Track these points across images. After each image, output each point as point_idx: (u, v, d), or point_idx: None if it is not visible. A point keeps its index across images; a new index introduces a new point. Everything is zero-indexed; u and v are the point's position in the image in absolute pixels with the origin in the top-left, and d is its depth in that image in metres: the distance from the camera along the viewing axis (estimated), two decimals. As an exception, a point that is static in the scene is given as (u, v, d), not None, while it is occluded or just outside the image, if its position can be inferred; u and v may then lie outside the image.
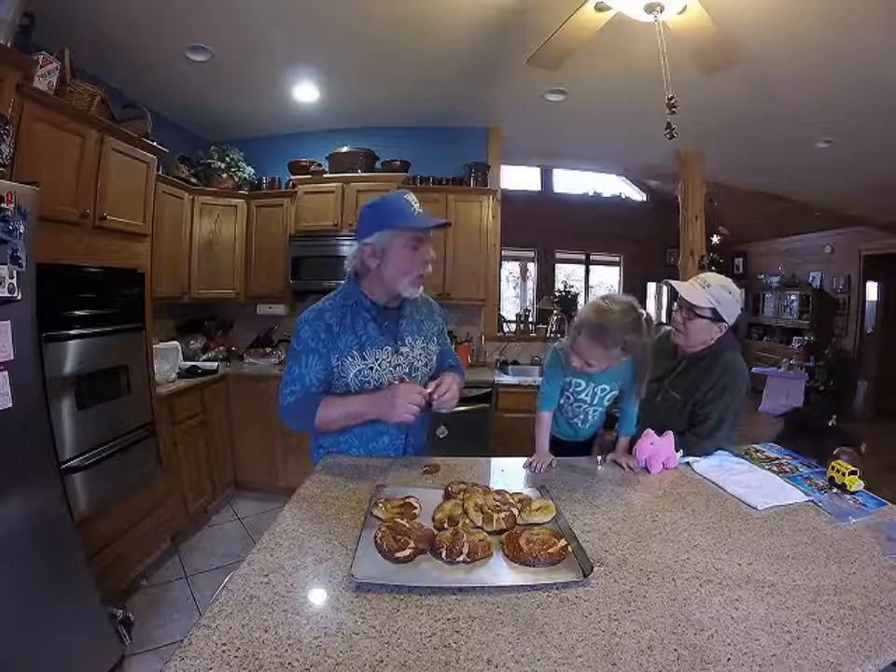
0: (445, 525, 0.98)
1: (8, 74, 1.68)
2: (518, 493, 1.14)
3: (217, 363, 3.34)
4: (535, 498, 1.11)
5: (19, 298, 1.55)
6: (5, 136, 1.63)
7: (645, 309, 1.35)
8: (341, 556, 0.88)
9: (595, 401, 1.48)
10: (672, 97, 2.05)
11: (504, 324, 4.36)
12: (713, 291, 1.49)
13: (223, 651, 0.65)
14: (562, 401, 1.52)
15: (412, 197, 1.33)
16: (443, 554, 0.88)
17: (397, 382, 1.37)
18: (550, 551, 0.88)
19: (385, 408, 1.27)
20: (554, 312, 4.33)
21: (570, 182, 7.82)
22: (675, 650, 0.68)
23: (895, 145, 3.50)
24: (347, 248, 1.44)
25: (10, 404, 1.52)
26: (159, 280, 2.83)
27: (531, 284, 7.89)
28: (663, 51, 2.02)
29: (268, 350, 3.69)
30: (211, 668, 0.62)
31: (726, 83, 2.73)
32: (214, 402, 3.18)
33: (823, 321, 6.76)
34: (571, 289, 5.66)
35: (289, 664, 0.64)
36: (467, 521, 0.99)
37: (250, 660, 0.64)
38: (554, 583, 0.82)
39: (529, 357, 3.96)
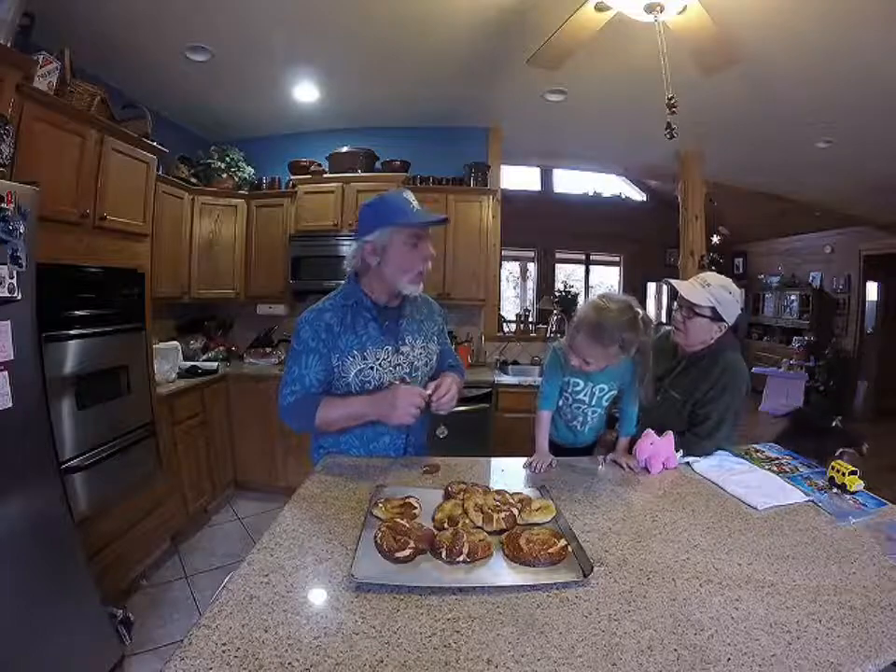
0: (445, 525, 0.98)
1: (8, 74, 1.68)
2: (518, 493, 1.14)
3: (217, 363, 3.34)
4: (535, 498, 1.11)
5: (19, 298, 1.55)
6: (5, 136, 1.63)
7: (643, 309, 1.35)
8: (341, 556, 0.88)
9: (594, 402, 1.48)
10: (672, 97, 2.05)
11: (504, 324, 4.36)
12: (713, 290, 1.49)
13: (223, 651, 0.65)
14: (561, 403, 1.52)
15: (410, 195, 1.34)
16: (443, 554, 0.88)
17: (397, 382, 1.37)
18: (550, 551, 0.88)
19: (386, 409, 1.27)
20: (554, 312, 4.33)
21: (570, 182, 7.82)
22: (675, 650, 0.68)
23: (895, 145, 3.50)
24: (347, 248, 1.44)
25: (10, 404, 1.52)
26: (159, 280, 2.83)
27: (531, 284, 7.89)
28: (663, 51, 2.02)
29: (268, 350, 3.69)
30: (211, 668, 0.62)
31: (726, 83, 2.73)
32: (214, 402, 3.18)
33: (823, 321, 6.76)
34: (571, 289, 5.65)
35: (289, 664, 0.64)
36: (467, 521, 0.99)
37: (250, 660, 0.64)
38: (554, 583, 0.82)
39: (529, 356, 3.96)
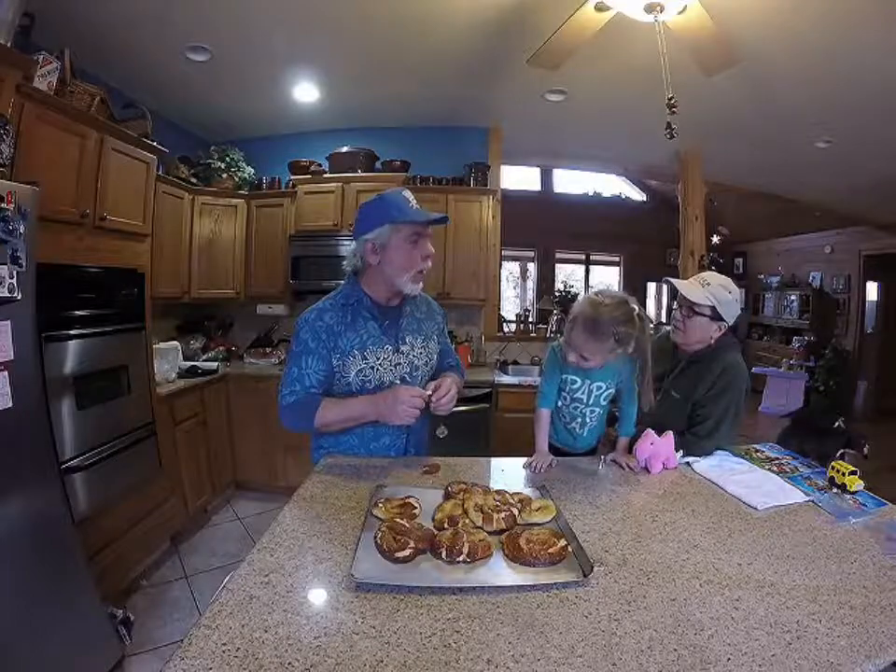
0: (445, 525, 0.98)
1: (8, 74, 1.68)
2: (518, 493, 1.14)
3: (216, 363, 3.34)
4: (535, 498, 1.12)
5: (19, 298, 1.55)
6: (5, 136, 1.63)
7: (640, 305, 1.35)
8: (341, 556, 0.88)
9: (592, 401, 1.47)
10: (672, 97, 2.05)
11: (504, 324, 4.36)
12: (712, 290, 1.50)
13: (223, 651, 0.65)
14: (559, 403, 1.52)
15: (409, 194, 1.34)
16: (443, 554, 0.87)
17: (398, 382, 1.37)
18: (550, 551, 0.88)
19: (386, 410, 1.27)
20: (554, 312, 4.33)
21: (570, 182, 7.82)
22: (675, 650, 0.68)
23: (895, 145, 3.50)
24: (347, 248, 1.45)
25: (10, 404, 1.52)
26: (159, 280, 2.83)
27: (531, 284, 7.89)
28: (663, 51, 2.02)
29: (268, 350, 3.69)
30: (211, 668, 0.62)
31: (726, 83, 2.73)
32: (214, 402, 3.18)
33: (823, 321, 6.76)
34: (571, 289, 5.66)
35: (289, 664, 0.64)
36: (467, 521, 0.99)
37: (250, 660, 0.64)
38: (554, 583, 0.82)
39: (529, 357, 3.96)
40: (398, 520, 0.96)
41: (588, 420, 1.51)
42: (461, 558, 0.87)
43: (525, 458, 1.40)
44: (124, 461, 2.24)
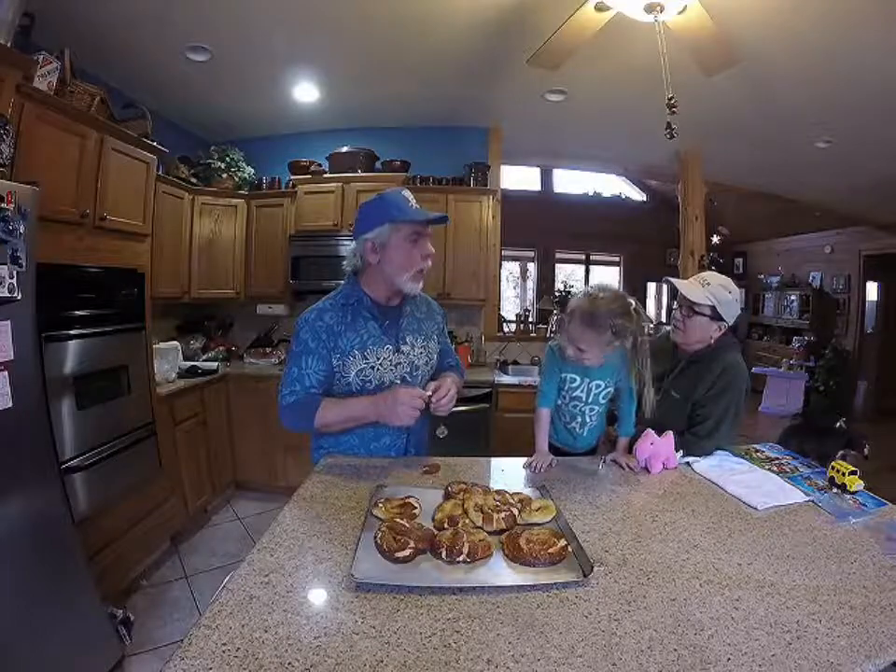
0: (445, 525, 0.98)
1: (8, 74, 1.68)
2: (518, 493, 1.14)
3: (216, 363, 3.34)
4: (535, 498, 1.12)
5: (19, 298, 1.55)
6: (5, 136, 1.63)
7: (639, 303, 1.36)
8: (341, 556, 0.88)
9: (591, 399, 1.47)
10: (672, 97, 2.05)
11: (504, 324, 4.36)
12: (712, 290, 1.50)
13: (223, 651, 0.65)
14: (559, 403, 1.52)
15: (408, 193, 1.35)
16: (443, 554, 0.87)
17: (398, 382, 1.38)
18: (550, 551, 0.88)
19: (386, 411, 1.27)
20: (554, 312, 4.33)
21: (570, 182, 7.82)
22: (675, 650, 0.68)
23: (895, 145, 3.50)
24: (347, 248, 1.45)
25: (10, 404, 1.52)
26: (159, 280, 2.83)
27: (531, 284, 7.89)
28: (663, 51, 2.02)
29: (268, 350, 3.69)
30: (211, 668, 0.62)
31: (726, 83, 2.73)
32: (214, 402, 3.18)
33: (823, 321, 6.77)
34: (571, 289, 5.65)
35: (289, 664, 0.64)
36: (467, 521, 0.99)
37: (250, 660, 0.64)
38: (554, 583, 0.82)
39: (529, 357, 3.96)
40: (398, 520, 0.96)
41: (588, 419, 1.51)
42: (461, 558, 0.87)
43: (525, 458, 1.40)
44: (124, 461, 2.24)
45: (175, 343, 3.15)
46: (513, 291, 8.23)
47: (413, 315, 1.47)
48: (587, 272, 8.26)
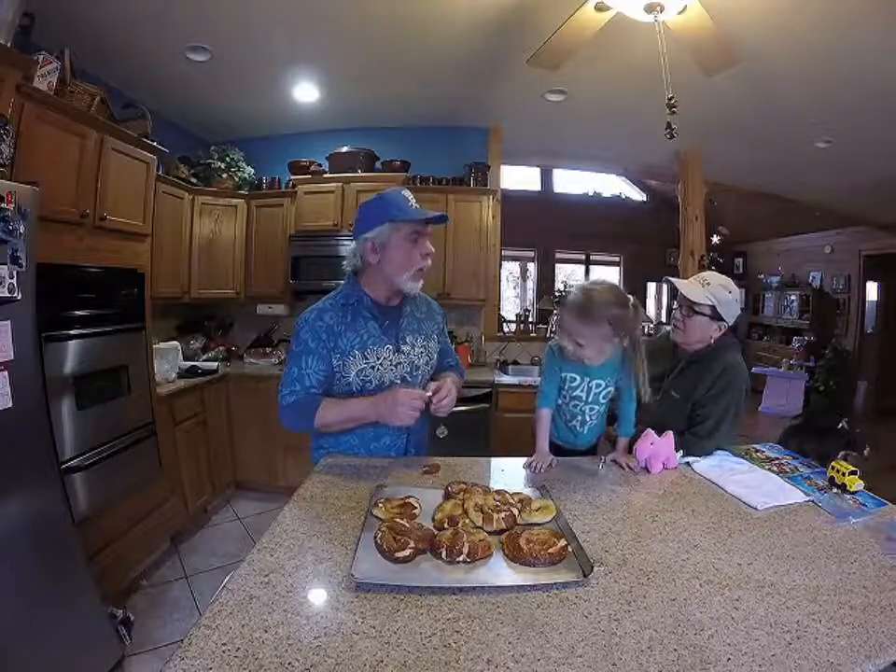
0: (445, 525, 0.98)
1: (8, 74, 1.68)
2: (518, 493, 1.14)
3: (216, 363, 3.34)
4: (535, 498, 1.11)
5: (19, 298, 1.55)
6: (5, 136, 1.63)
7: (641, 305, 1.36)
8: (341, 556, 0.88)
9: (591, 398, 1.47)
10: (672, 97, 2.06)
11: (504, 324, 4.36)
12: (712, 289, 1.50)
13: (223, 651, 0.65)
14: (560, 402, 1.52)
15: (408, 193, 1.35)
16: (443, 554, 0.87)
17: (398, 382, 1.38)
18: (550, 551, 0.88)
19: (386, 412, 1.27)
20: (554, 312, 4.32)
21: (570, 182, 7.82)
22: (675, 650, 0.68)
23: (895, 145, 3.50)
24: (347, 248, 1.45)
25: (10, 404, 1.52)
26: (159, 280, 2.83)
27: (531, 284, 7.89)
28: (663, 51, 2.02)
29: (268, 350, 3.69)
30: (211, 668, 0.62)
31: (726, 83, 2.73)
32: (214, 402, 3.18)
33: (823, 321, 6.77)
34: (571, 289, 5.66)
35: (289, 664, 0.64)
36: (467, 521, 0.99)
37: (250, 660, 0.64)
38: (554, 583, 0.82)
39: (529, 357, 3.96)
40: (398, 520, 0.96)
41: (588, 418, 1.51)
42: (461, 558, 0.87)
43: (525, 458, 1.40)
44: (124, 461, 2.24)
45: (175, 343, 3.15)
46: (513, 291, 8.23)
47: (413, 315, 1.47)
48: (587, 272, 8.25)
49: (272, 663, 0.64)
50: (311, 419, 1.32)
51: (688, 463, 1.40)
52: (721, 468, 1.37)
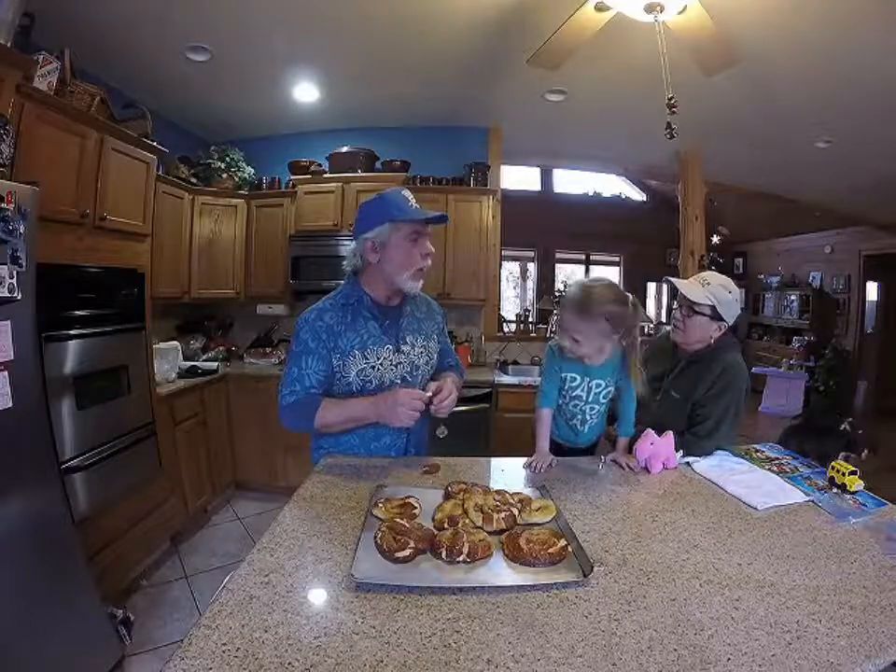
0: (445, 525, 0.98)
1: (8, 74, 1.68)
2: (518, 493, 1.14)
3: (216, 363, 3.34)
4: (535, 498, 1.11)
5: (19, 298, 1.55)
6: (5, 136, 1.63)
7: (641, 305, 1.36)
8: (341, 556, 0.88)
9: (591, 398, 1.47)
10: (672, 97, 2.05)
11: (504, 324, 4.36)
12: (712, 289, 1.50)
13: (223, 651, 0.65)
14: (560, 402, 1.52)
15: (408, 193, 1.35)
16: (443, 554, 0.87)
17: (398, 381, 1.38)
18: (550, 551, 0.88)
19: (386, 413, 1.27)
20: (554, 312, 4.32)
21: (570, 182, 7.82)
22: (675, 650, 0.68)
23: (895, 145, 3.50)
24: (347, 248, 1.45)
25: (10, 404, 1.52)
26: (159, 280, 2.83)
27: (531, 284, 7.89)
28: (663, 51, 2.02)
29: (268, 350, 3.69)
30: (211, 668, 0.62)
31: (726, 83, 2.73)
32: (214, 402, 3.18)
33: (823, 321, 6.77)
34: (570, 286, 5.65)
35: (289, 664, 0.64)
36: (467, 521, 0.99)
37: (250, 660, 0.64)
38: (554, 583, 0.82)
39: (529, 357, 3.96)
40: (398, 520, 0.96)
41: (588, 417, 1.51)
42: (461, 558, 0.87)
43: (525, 458, 1.40)
44: (124, 461, 2.24)
45: (175, 343, 3.15)
46: (513, 291, 8.23)
47: (413, 315, 1.47)
48: (587, 272, 8.25)
49: (272, 663, 0.64)
50: (311, 419, 1.32)
51: (688, 463, 1.40)
52: (720, 468, 1.37)
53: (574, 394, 1.48)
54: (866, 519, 1.08)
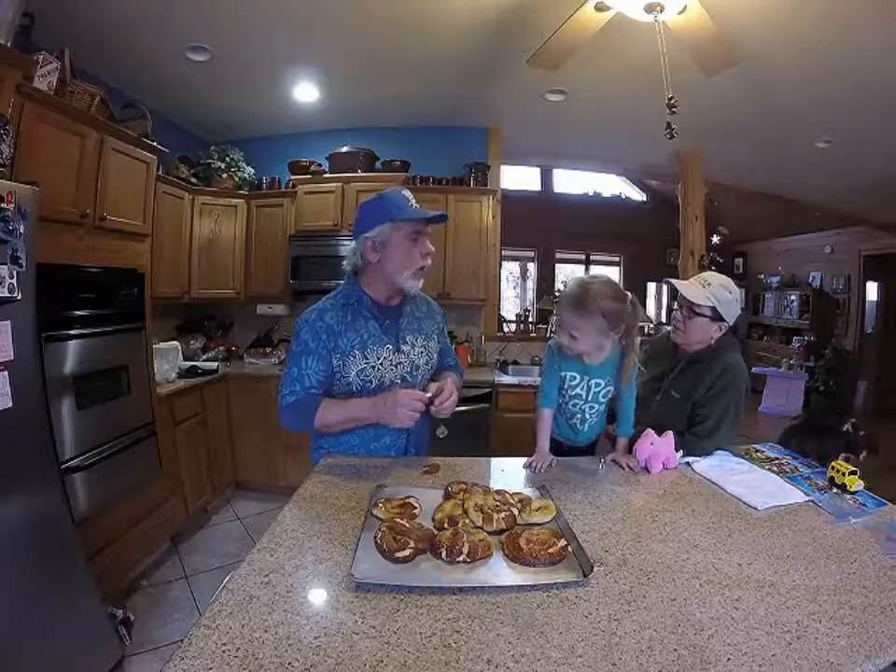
0: (445, 525, 0.98)
1: (8, 74, 1.68)
2: (518, 493, 1.14)
3: (216, 363, 3.34)
4: (535, 498, 1.11)
5: (19, 298, 1.55)
6: (5, 136, 1.63)
7: (641, 305, 1.36)
8: (341, 556, 0.88)
9: (590, 397, 1.47)
10: (672, 97, 2.06)
11: (504, 324, 4.36)
12: (713, 290, 1.50)
13: (223, 651, 0.65)
14: (560, 401, 1.52)
15: (408, 193, 1.36)
16: (443, 554, 0.87)
17: (398, 381, 1.38)
18: (550, 551, 0.88)
19: (386, 413, 1.27)
20: (554, 312, 4.33)
21: (570, 182, 7.82)
22: (675, 650, 0.68)
23: (895, 145, 3.50)
24: (347, 248, 1.45)
25: (10, 404, 1.52)
26: (159, 280, 2.83)
27: (531, 284, 7.89)
28: (663, 51, 2.02)
29: (268, 350, 3.69)
30: (211, 668, 0.62)
31: (726, 83, 2.73)
32: (214, 402, 3.18)
33: (823, 321, 6.77)
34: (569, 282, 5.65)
35: (289, 664, 0.64)
36: (467, 521, 0.99)
37: (250, 660, 0.64)
38: (554, 583, 0.82)
39: (529, 357, 3.96)
40: (398, 520, 0.96)
41: (588, 416, 1.52)
42: (461, 558, 0.87)
43: (525, 458, 1.40)
44: (124, 461, 2.24)
45: (175, 343, 3.15)
46: (513, 291, 8.23)
47: (413, 315, 1.47)
48: (587, 272, 8.25)
49: (272, 663, 0.64)
50: (311, 419, 1.32)
51: (688, 463, 1.40)
52: (721, 468, 1.36)
53: (574, 393, 1.48)
54: (866, 519, 1.08)
